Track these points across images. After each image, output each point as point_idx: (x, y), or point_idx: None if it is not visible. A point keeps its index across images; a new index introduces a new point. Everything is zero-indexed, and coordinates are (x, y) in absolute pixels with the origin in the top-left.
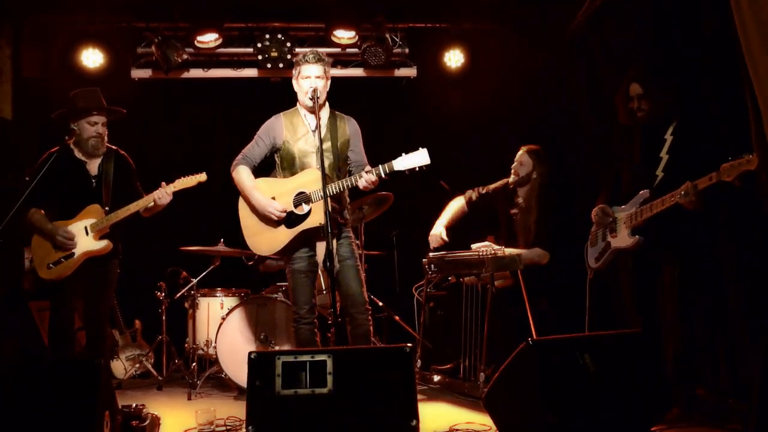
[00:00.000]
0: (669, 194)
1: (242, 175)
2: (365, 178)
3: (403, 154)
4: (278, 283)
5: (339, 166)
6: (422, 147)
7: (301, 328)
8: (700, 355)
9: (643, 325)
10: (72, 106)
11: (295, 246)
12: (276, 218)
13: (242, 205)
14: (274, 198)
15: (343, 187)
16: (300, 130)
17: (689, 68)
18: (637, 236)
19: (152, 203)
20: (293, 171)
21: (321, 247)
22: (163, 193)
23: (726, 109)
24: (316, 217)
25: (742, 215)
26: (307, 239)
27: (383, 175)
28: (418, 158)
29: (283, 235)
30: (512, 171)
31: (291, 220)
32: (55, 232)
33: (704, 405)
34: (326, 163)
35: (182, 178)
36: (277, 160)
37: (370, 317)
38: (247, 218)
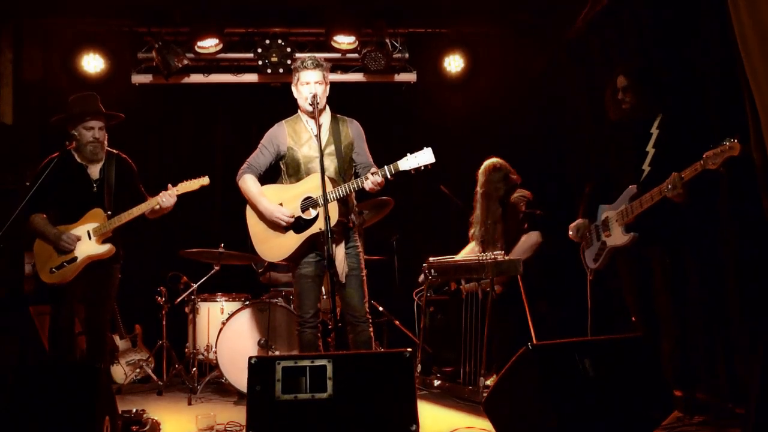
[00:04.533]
0: (656, 188)
1: (248, 183)
2: (371, 180)
3: (408, 155)
4: (279, 288)
5: (344, 169)
6: (426, 147)
7: (305, 332)
8: (699, 358)
9: (642, 323)
10: (69, 111)
11: (303, 251)
12: (284, 223)
13: (250, 213)
14: (281, 204)
15: (350, 190)
16: (303, 136)
17: (683, 67)
18: (632, 233)
19: (157, 206)
20: (299, 177)
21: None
22: (168, 196)
23: (713, 102)
24: (323, 221)
25: (736, 210)
26: (315, 244)
27: (389, 176)
28: (423, 158)
29: (292, 241)
30: None
31: (299, 225)
32: (58, 236)
33: (704, 409)
34: (331, 167)
35: (185, 181)
36: (282, 167)
37: (370, 325)
38: (255, 226)
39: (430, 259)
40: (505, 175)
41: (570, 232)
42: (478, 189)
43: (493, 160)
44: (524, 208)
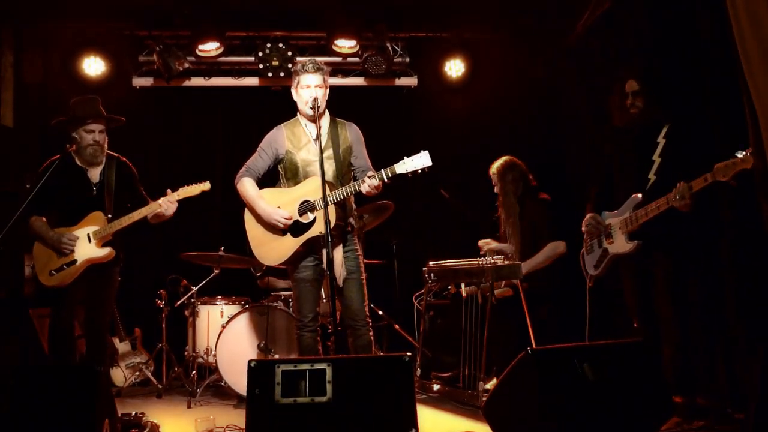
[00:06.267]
0: (663, 197)
1: (247, 186)
2: (368, 183)
3: (405, 158)
4: (278, 292)
5: (343, 173)
6: (423, 150)
7: (304, 335)
8: (698, 363)
9: (644, 330)
10: (70, 114)
11: (301, 255)
12: (282, 226)
13: (248, 217)
14: (279, 207)
15: (347, 194)
16: (302, 140)
17: (686, 76)
18: (636, 241)
19: (159, 210)
20: (297, 180)
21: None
22: (168, 203)
23: (718, 112)
24: (321, 225)
25: (736, 216)
26: (313, 247)
27: (386, 179)
28: (420, 161)
29: (290, 244)
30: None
31: (297, 228)
32: (58, 239)
33: (703, 414)
34: (330, 171)
35: (186, 186)
36: (280, 170)
37: (370, 329)
38: (253, 229)
39: (430, 263)
40: (521, 172)
41: (583, 227)
42: (495, 188)
43: (506, 158)
44: (546, 212)
